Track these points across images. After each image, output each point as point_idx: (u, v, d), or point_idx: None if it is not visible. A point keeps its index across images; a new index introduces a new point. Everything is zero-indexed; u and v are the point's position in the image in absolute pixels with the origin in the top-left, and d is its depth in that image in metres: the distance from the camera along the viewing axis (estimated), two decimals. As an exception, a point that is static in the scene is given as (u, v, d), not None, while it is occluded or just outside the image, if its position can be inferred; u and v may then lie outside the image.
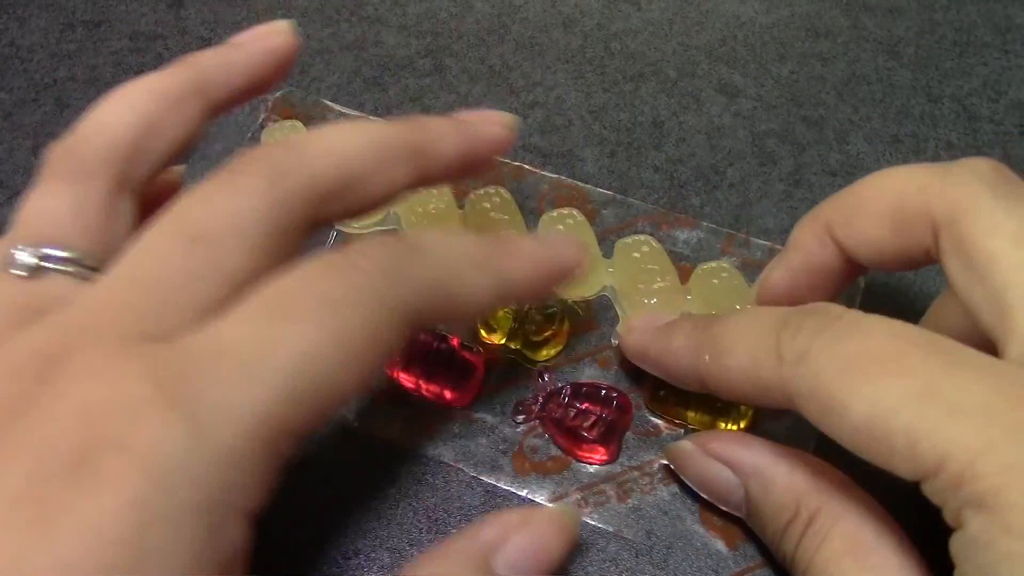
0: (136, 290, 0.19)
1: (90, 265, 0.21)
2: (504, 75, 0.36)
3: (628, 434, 0.27)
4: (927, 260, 0.23)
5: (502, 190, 0.31)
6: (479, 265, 0.22)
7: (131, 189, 0.23)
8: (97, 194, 0.22)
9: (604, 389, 0.27)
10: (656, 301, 0.28)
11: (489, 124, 0.26)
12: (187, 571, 0.17)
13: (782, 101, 0.35)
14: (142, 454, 0.17)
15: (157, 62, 0.37)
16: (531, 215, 0.31)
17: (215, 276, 0.20)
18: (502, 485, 0.26)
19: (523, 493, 0.26)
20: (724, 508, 0.25)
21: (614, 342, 0.29)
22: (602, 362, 0.28)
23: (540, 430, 0.27)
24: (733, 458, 0.24)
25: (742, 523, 0.25)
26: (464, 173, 0.25)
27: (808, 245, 0.25)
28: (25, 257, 0.21)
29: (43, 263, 0.21)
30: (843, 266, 0.24)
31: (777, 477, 0.23)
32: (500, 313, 0.28)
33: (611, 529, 0.25)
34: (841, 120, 0.34)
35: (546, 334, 0.28)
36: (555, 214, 0.30)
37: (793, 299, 0.25)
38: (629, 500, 0.26)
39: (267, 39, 0.26)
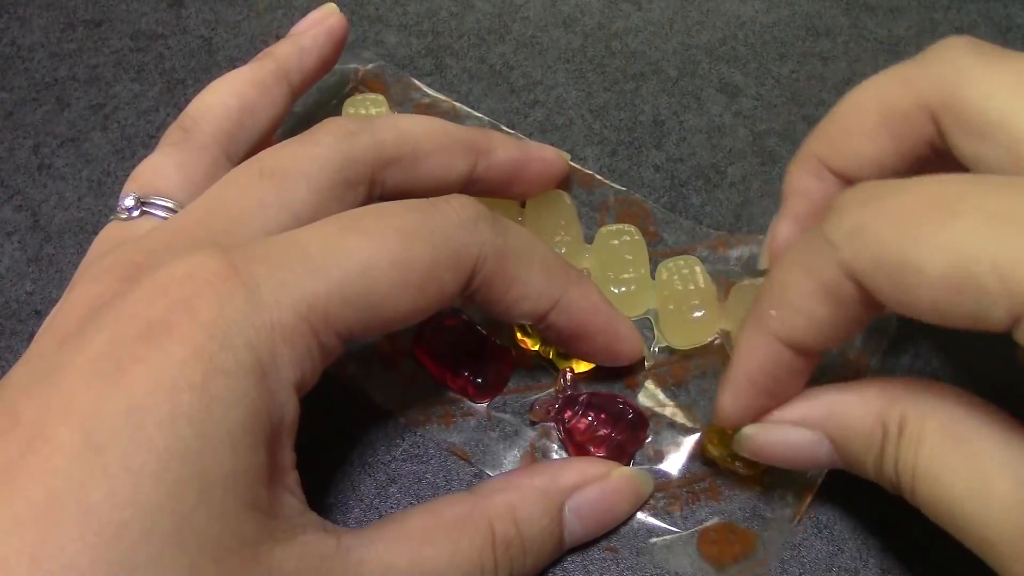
0: (212, 213, 0.22)
1: None
2: (505, 74, 0.36)
3: (639, 452, 0.27)
4: (931, 154, 0.22)
5: (566, 195, 0.30)
6: (547, 264, 0.24)
7: (233, 161, 0.26)
8: (203, 161, 0.26)
9: (621, 403, 0.26)
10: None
11: (546, 149, 0.29)
12: (246, 423, 0.18)
13: (783, 100, 0.35)
14: (206, 314, 0.19)
15: (158, 62, 0.37)
16: (592, 224, 0.31)
17: (281, 206, 0.22)
18: None
19: None
20: (820, 469, 0.23)
21: (648, 364, 0.28)
22: (630, 383, 0.28)
23: (553, 431, 0.27)
24: (801, 415, 0.23)
25: (741, 547, 0.25)
26: (517, 184, 0.28)
27: (805, 186, 0.24)
28: (128, 202, 0.24)
29: (145, 208, 0.24)
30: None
31: (851, 408, 0.22)
32: None
33: (606, 543, 0.25)
34: (842, 119, 0.34)
35: None
36: (613, 228, 0.30)
37: None
38: (633, 520, 0.25)
39: (324, 22, 0.30)
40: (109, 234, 0.24)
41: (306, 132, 0.24)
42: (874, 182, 0.20)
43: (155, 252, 0.21)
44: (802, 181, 0.24)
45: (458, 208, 0.22)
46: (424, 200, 0.23)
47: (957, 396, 0.20)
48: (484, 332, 0.28)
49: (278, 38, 0.37)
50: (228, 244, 0.21)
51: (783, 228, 0.25)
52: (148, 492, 0.17)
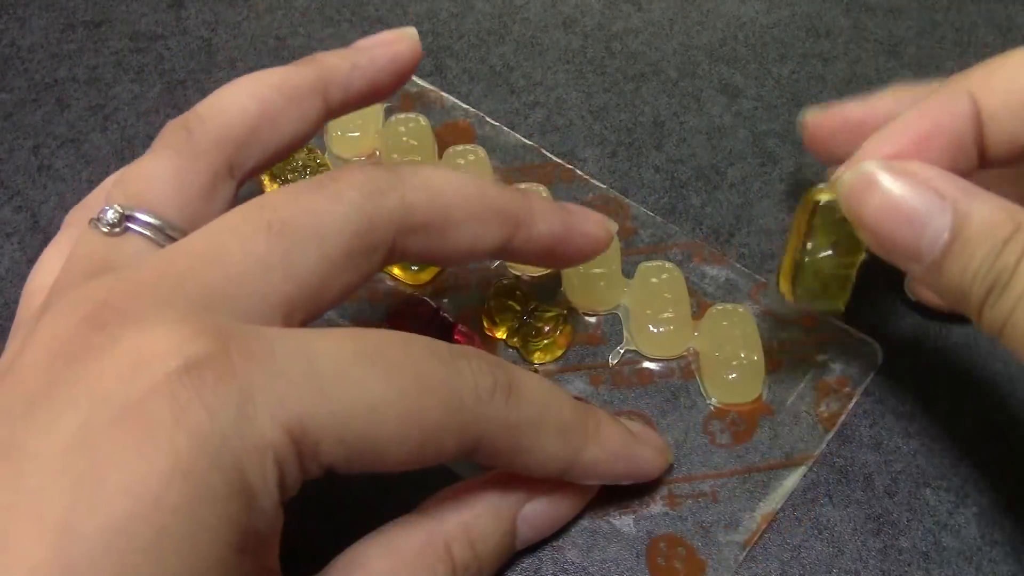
0: (208, 264, 0.19)
1: (173, 236, 0.21)
2: (505, 75, 0.36)
3: None
4: None
5: (543, 188, 0.31)
6: (563, 429, 0.22)
7: (236, 176, 0.23)
8: (201, 172, 0.22)
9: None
10: (662, 330, 0.28)
11: (590, 221, 0.25)
12: (233, 544, 0.17)
13: (783, 101, 0.35)
14: (193, 421, 0.16)
15: (158, 62, 0.37)
16: None
17: (286, 272, 0.20)
18: (466, 477, 0.26)
19: None
20: (904, 260, 0.21)
21: (612, 362, 0.28)
22: (595, 379, 0.28)
23: None
24: (937, 177, 0.21)
25: (687, 569, 0.24)
26: (553, 260, 0.25)
27: (938, 102, 0.22)
28: (111, 216, 0.21)
29: (128, 224, 0.21)
30: (968, 140, 0.22)
31: (987, 197, 0.20)
32: (507, 309, 0.28)
33: (552, 543, 0.25)
34: (842, 120, 0.34)
35: (545, 341, 0.28)
36: None
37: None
38: (583, 520, 0.26)
39: (391, 45, 0.26)
40: (87, 250, 0.21)
41: (328, 178, 0.21)
42: None
43: (136, 297, 0.19)
44: (937, 95, 0.23)
45: (477, 373, 0.20)
46: (448, 350, 0.20)
47: None
48: (451, 320, 0.28)
49: (278, 39, 0.37)
50: (223, 311, 0.19)
51: (883, 143, 0.22)
52: None
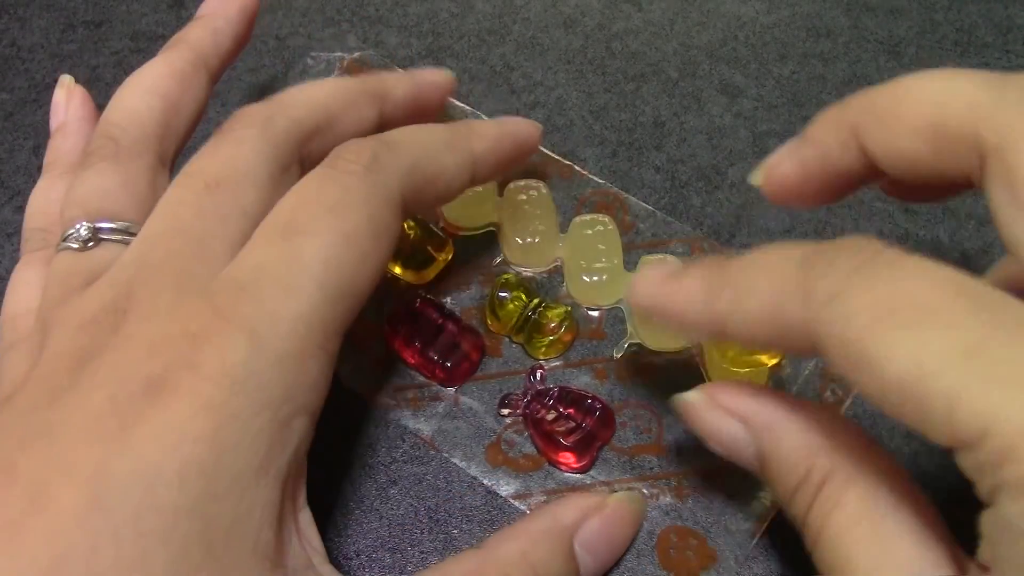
0: (176, 238, 0.22)
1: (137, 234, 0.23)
2: (505, 75, 0.36)
3: (606, 449, 0.27)
4: (966, 186, 0.20)
5: (542, 185, 0.31)
6: (448, 145, 0.25)
7: (167, 163, 0.25)
8: (141, 171, 0.24)
9: (590, 399, 0.27)
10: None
11: (430, 73, 0.29)
12: (261, 464, 0.19)
13: (783, 101, 0.35)
14: (211, 369, 0.19)
15: (158, 62, 0.37)
16: (570, 214, 0.31)
17: (238, 213, 0.22)
18: (471, 471, 0.26)
19: (488, 483, 0.26)
20: (739, 464, 0.22)
21: (616, 356, 0.28)
22: (599, 373, 0.28)
23: (521, 426, 0.27)
24: (743, 411, 0.22)
25: (699, 559, 0.25)
26: (421, 114, 0.28)
27: (828, 144, 0.22)
28: (84, 232, 0.23)
29: (99, 235, 0.23)
30: (864, 172, 0.22)
31: (789, 433, 0.21)
32: (510, 306, 0.28)
33: None
34: (842, 120, 0.34)
35: (550, 337, 0.28)
36: (587, 218, 0.30)
37: (802, 194, 0.23)
38: None
39: (233, 1, 0.29)
40: (65, 267, 0.23)
41: (222, 131, 0.24)
42: (872, 245, 0.19)
43: (134, 294, 0.21)
44: (828, 137, 0.22)
45: (357, 158, 0.23)
46: (324, 165, 0.23)
47: (887, 468, 0.20)
48: (454, 316, 0.28)
49: (278, 39, 0.37)
50: (205, 274, 0.21)
51: (787, 165, 0.23)
52: (156, 554, 0.17)
